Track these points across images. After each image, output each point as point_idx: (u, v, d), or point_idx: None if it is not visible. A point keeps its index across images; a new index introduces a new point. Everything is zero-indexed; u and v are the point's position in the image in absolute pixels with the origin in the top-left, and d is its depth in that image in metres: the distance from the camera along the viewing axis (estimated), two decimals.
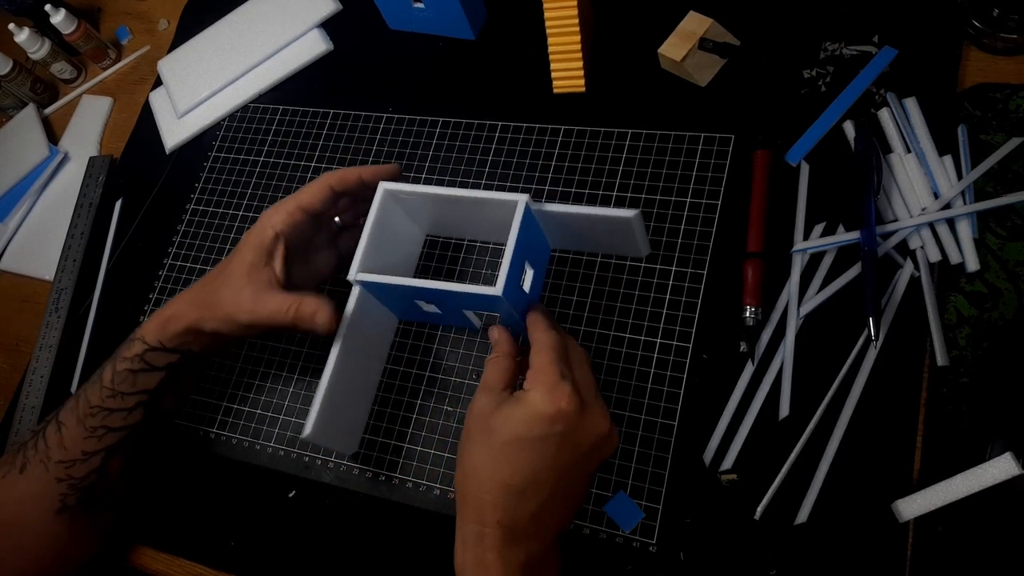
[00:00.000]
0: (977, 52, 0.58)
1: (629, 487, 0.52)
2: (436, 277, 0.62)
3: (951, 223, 0.53)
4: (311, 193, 0.56)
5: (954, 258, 0.52)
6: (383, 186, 0.56)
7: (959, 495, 0.45)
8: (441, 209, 0.59)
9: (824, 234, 0.55)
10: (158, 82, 0.85)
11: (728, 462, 0.51)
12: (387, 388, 0.60)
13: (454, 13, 0.70)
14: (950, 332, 0.50)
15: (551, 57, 0.65)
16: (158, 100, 0.83)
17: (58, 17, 0.84)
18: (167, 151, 0.79)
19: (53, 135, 0.89)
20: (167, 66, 0.83)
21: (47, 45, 0.86)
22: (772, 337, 0.54)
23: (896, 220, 0.54)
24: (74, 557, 0.57)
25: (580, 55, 0.64)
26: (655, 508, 0.51)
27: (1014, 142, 0.53)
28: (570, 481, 0.45)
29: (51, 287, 0.76)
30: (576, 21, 0.62)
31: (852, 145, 0.57)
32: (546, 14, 0.62)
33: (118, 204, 0.78)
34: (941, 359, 0.49)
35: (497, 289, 0.49)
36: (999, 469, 0.44)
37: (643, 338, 0.56)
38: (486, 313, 0.59)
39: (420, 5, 0.71)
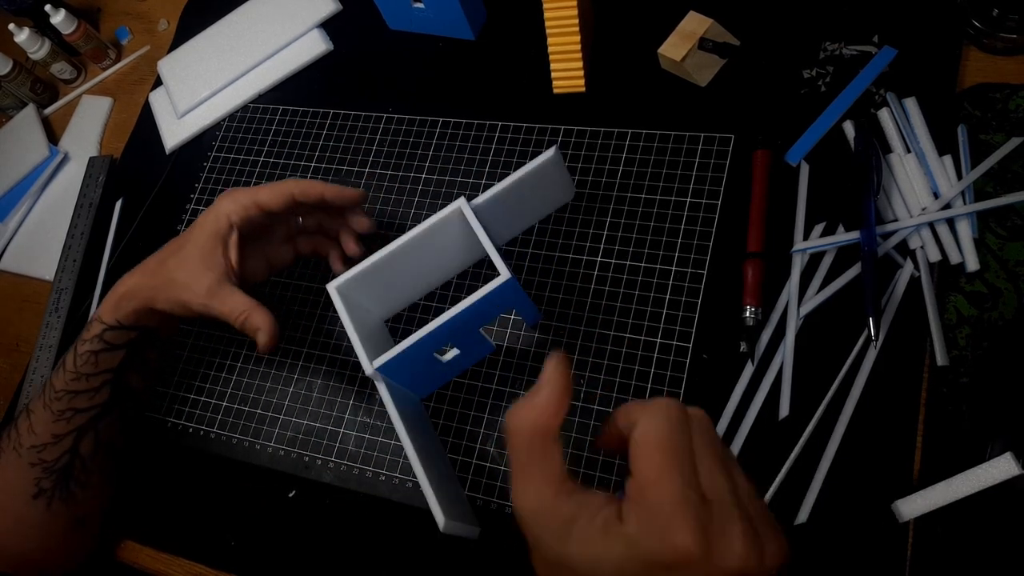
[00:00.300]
0: (977, 52, 0.58)
1: None
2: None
3: (951, 223, 0.53)
4: (271, 194, 0.56)
5: (954, 258, 0.52)
6: (331, 288, 0.54)
7: (959, 495, 0.45)
8: (397, 269, 0.56)
9: (824, 234, 0.55)
10: (158, 82, 0.85)
11: None
12: None
13: (454, 13, 0.70)
14: (950, 332, 0.50)
15: (551, 57, 0.65)
16: (158, 100, 0.83)
17: (58, 17, 0.84)
18: (167, 151, 0.79)
19: (53, 135, 0.89)
20: (167, 66, 0.83)
21: (47, 45, 0.86)
22: (772, 337, 0.54)
23: (896, 220, 0.54)
24: (52, 543, 0.57)
25: (580, 55, 0.64)
26: None
27: (1014, 142, 0.53)
28: None
29: (51, 287, 0.76)
30: (576, 21, 0.62)
31: (852, 145, 0.57)
32: (546, 14, 0.62)
33: (118, 204, 0.78)
34: (941, 359, 0.49)
35: (504, 274, 0.49)
36: (999, 469, 0.44)
37: (643, 338, 0.56)
38: (495, 330, 0.59)
39: (420, 5, 0.71)
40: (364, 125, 0.72)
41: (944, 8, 0.59)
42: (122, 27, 0.92)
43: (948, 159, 0.55)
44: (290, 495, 0.59)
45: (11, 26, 0.84)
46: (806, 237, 0.56)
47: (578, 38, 0.63)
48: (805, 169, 0.58)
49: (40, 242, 0.81)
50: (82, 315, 0.73)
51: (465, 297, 0.49)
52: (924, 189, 0.54)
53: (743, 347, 0.54)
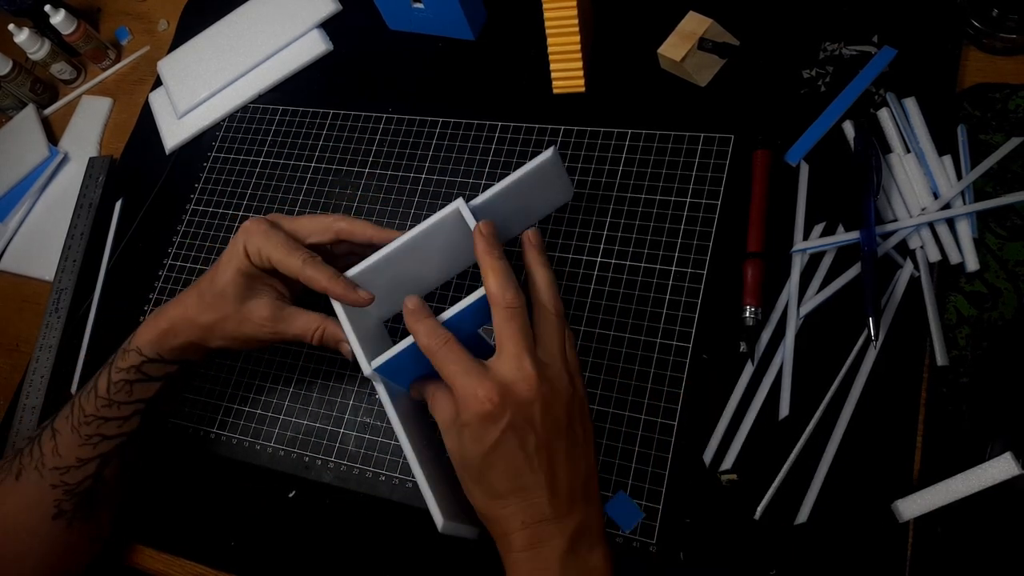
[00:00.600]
0: (976, 52, 0.58)
1: (629, 487, 0.52)
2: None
3: (951, 223, 0.53)
4: (282, 266, 0.53)
5: (954, 258, 0.52)
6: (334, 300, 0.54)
7: (959, 495, 0.45)
8: (396, 270, 0.56)
9: (824, 234, 0.55)
10: (158, 82, 0.85)
11: (728, 462, 0.51)
12: None
13: (454, 13, 0.70)
14: (950, 332, 0.50)
15: (551, 57, 0.65)
16: (158, 100, 0.83)
17: (58, 18, 0.84)
18: (167, 151, 0.79)
19: (53, 135, 0.89)
20: (167, 66, 0.83)
21: (47, 45, 0.86)
22: (772, 337, 0.54)
23: (896, 220, 0.54)
24: (72, 562, 0.57)
25: (580, 55, 0.64)
26: (655, 508, 0.51)
27: (1013, 142, 0.53)
28: (557, 445, 0.45)
29: (51, 287, 0.76)
30: (576, 21, 0.62)
31: (852, 145, 0.57)
32: (546, 14, 0.62)
33: (118, 204, 0.78)
34: (941, 359, 0.49)
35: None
36: (999, 469, 0.44)
37: (643, 338, 0.56)
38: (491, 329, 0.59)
39: (420, 5, 0.71)
40: (364, 125, 0.72)
41: (944, 8, 0.59)
42: (122, 27, 0.92)
43: (948, 159, 0.55)
44: (290, 495, 0.59)
45: (11, 26, 0.84)
46: (806, 237, 0.56)
47: (578, 38, 0.63)
48: (805, 169, 0.58)
49: (40, 242, 0.81)
50: (82, 315, 0.73)
51: (464, 297, 0.49)
52: (924, 189, 0.54)
53: (743, 347, 0.54)
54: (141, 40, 0.91)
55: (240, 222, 0.72)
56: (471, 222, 0.53)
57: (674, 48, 0.61)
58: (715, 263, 0.57)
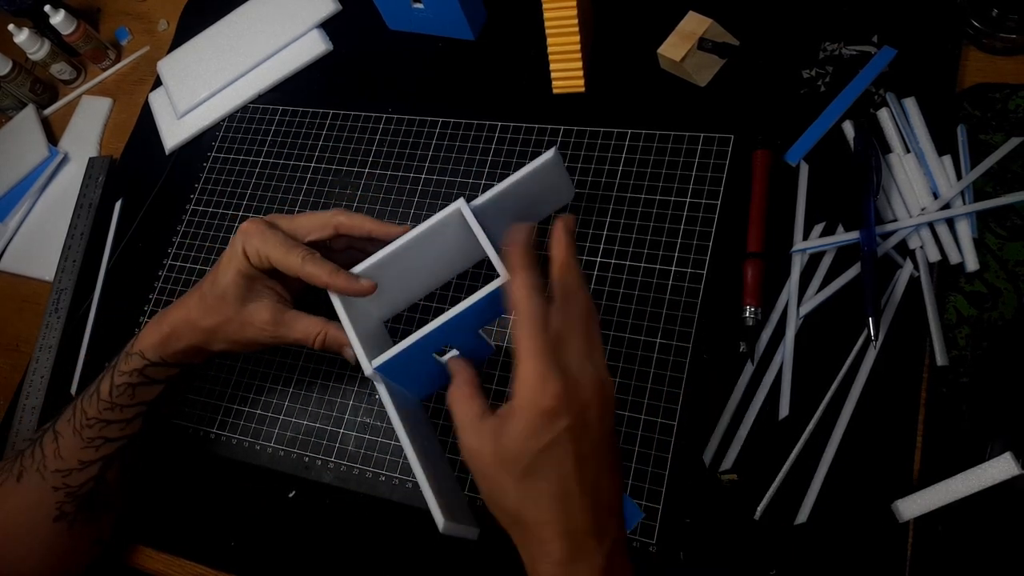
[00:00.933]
0: (976, 52, 0.58)
1: (629, 487, 0.52)
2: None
3: (951, 223, 0.53)
4: (281, 264, 0.52)
5: (954, 258, 0.52)
6: (333, 294, 0.53)
7: (959, 495, 0.45)
8: (397, 270, 0.56)
9: (824, 234, 0.55)
10: (158, 82, 0.85)
11: (728, 462, 0.51)
12: None
13: (454, 13, 0.70)
14: (950, 332, 0.50)
15: (551, 57, 0.65)
16: (158, 100, 0.83)
17: (58, 18, 0.84)
18: (167, 151, 0.79)
19: (53, 136, 0.89)
20: (167, 66, 0.83)
21: (47, 46, 0.86)
22: (772, 337, 0.54)
23: (896, 220, 0.54)
24: (72, 564, 0.57)
25: (580, 55, 0.64)
26: (655, 508, 0.51)
27: (1013, 142, 0.53)
28: (602, 457, 0.42)
29: (51, 287, 0.76)
30: (576, 21, 0.62)
31: (852, 145, 0.57)
32: (546, 14, 0.62)
33: (118, 204, 0.78)
34: (941, 359, 0.49)
35: (504, 275, 0.49)
36: (999, 469, 0.44)
37: (643, 338, 0.56)
38: (494, 329, 0.59)
39: (420, 5, 0.71)
40: (364, 125, 0.72)
41: (944, 8, 0.59)
42: (122, 27, 0.92)
43: (948, 159, 0.55)
44: (290, 495, 0.59)
45: (11, 26, 0.84)
46: (806, 237, 0.56)
47: (578, 38, 0.63)
48: (805, 169, 0.58)
49: (40, 242, 0.81)
50: (82, 315, 0.73)
51: (465, 298, 0.49)
52: (924, 189, 0.54)
53: (743, 347, 0.54)
54: (141, 40, 0.91)
55: (240, 222, 0.72)
56: (473, 222, 0.53)
57: (674, 48, 0.61)
58: (715, 263, 0.57)
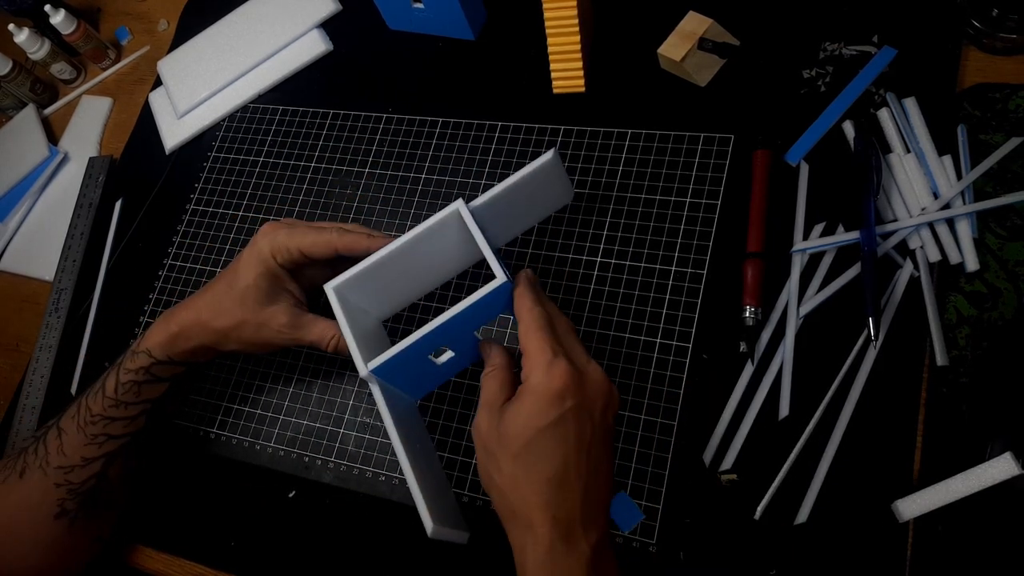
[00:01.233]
0: (976, 52, 0.58)
1: (629, 487, 0.52)
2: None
3: (951, 223, 0.53)
4: (313, 244, 0.54)
5: (954, 258, 0.52)
6: (329, 289, 0.53)
7: (959, 495, 0.45)
8: (395, 271, 0.56)
9: (824, 234, 0.55)
10: (158, 82, 0.85)
11: (728, 462, 0.51)
12: None
13: (454, 13, 0.70)
14: (950, 332, 0.50)
15: (551, 57, 0.65)
16: (158, 100, 0.83)
17: (58, 17, 0.84)
18: (167, 151, 0.79)
19: (53, 135, 0.89)
20: (167, 66, 0.83)
21: (47, 45, 0.86)
22: (772, 337, 0.54)
23: (896, 220, 0.54)
24: (73, 561, 0.57)
25: (580, 55, 0.64)
26: (655, 508, 0.51)
27: (1013, 142, 0.53)
28: (600, 450, 0.44)
29: (51, 287, 0.76)
30: (576, 21, 0.62)
31: (852, 145, 0.57)
32: (546, 14, 0.62)
33: (118, 204, 0.78)
34: (941, 359, 0.49)
35: (500, 277, 0.49)
36: (999, 469, 0.44)
37: (643, 338, 0.56)
38: (494, 330, 0.59)
39: (420, 5, 0.71)
40: (364, 125, 0.72)
41: (944, 8, 0.59)
42: (122, 27, 0.92)
43: (948, 159, 0.55)
44: (290, 495, 0.59)
45: (11, 26, 0.84)
46: (806, 237, 0.56)
47: (578, 38, 0.63)
48: (805, 169, 0.58)
49: (40, 242, 0.81)
50: (82, 315, 0.73)
51: (464, 298, 0.49)
52: (924, 189, 0.54)
53: (743, 347, 0.54)
54: (141, 40, 0.91)
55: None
56: (471, 224, 0.52)
57: (674, 48, 0.61)
58: (715, 263, 0.57)
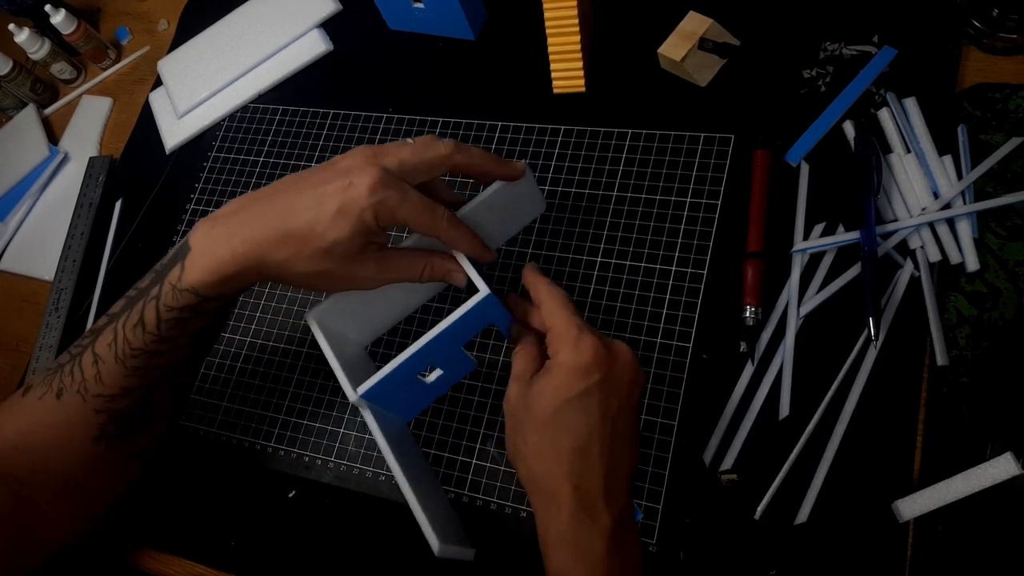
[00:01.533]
0: (977, 52, 0.58)
1: None
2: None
3: (951, 223, 0.53)
4: (420, 228, 0.48)
5: (954, 258, 0.52)
6: (310, 318, 0.52)
7: (959, 495, 0.45)
8: (375, 294, 0.55)
9: (824, 234, 0.55)
10: (158, 82, 0.85)
11: (728, 462, 0.51)
12: None
13: (454, 13, 0.70)
14: (950, 332, 0.50)
15: (551, 57, 0.65)
16: (158, 100, 0.83)
17: (58, 17, 0.84)
18: (167, 151, 0.80)
19: (53, 135, 0.89)
20: (167, 66, 0.83)
21: (47, 45, 0.86)
22: (772, 337, 0.54)
23: (896, 220, 0.54)
24: (116, 479, 0.56)
25: (580, 55, 0.64)
26: (655, 508, 0.51)
27: (1014, 142, 0.53)
28: (625, 425, 0.44)
29: (51, 287, 0.76)
30: (576, 21, 0.62)
31: (852, 145, 0.57)
32: (546, 14, 0.62)
33: (118, 204, 0.78)
34: (941, 359, 0.49)
35: (483, 290, 0.48)
36: (999, 469, 0.44)
37: (643, 338, 0.56)
38: (477, 341, 0.59)
39: (420, 5, 0.71)
40: (364, 125, 0.72)
41: (944, 8, 0.59)
42: (122, 27, 0.92)
43: (948, 159, 0.55)
44: (290, 495, 0.59)
45: (11, 26, 0.84)
46: (806, 237, 0.56)
47: (578, 38, 0.63)
48: (805, 169, 0.58)
49: (40, 242, 0.81)
50: (82, 315, 0.73)
51: (446, 316, 0.49)
52: (924, 189, 0.54)
53: (743, 347, 0.54)
54: (141, 40, 0.91)
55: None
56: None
57: (674, 48, 0.61)
58: (715, 263, 0.57)
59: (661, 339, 0.56)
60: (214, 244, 0.47)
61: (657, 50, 0.63)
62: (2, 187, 0.85)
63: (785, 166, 0.58)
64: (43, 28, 0.88)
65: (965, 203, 0.53)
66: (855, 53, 0.60)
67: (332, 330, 0.54)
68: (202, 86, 0.80)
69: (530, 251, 0.61)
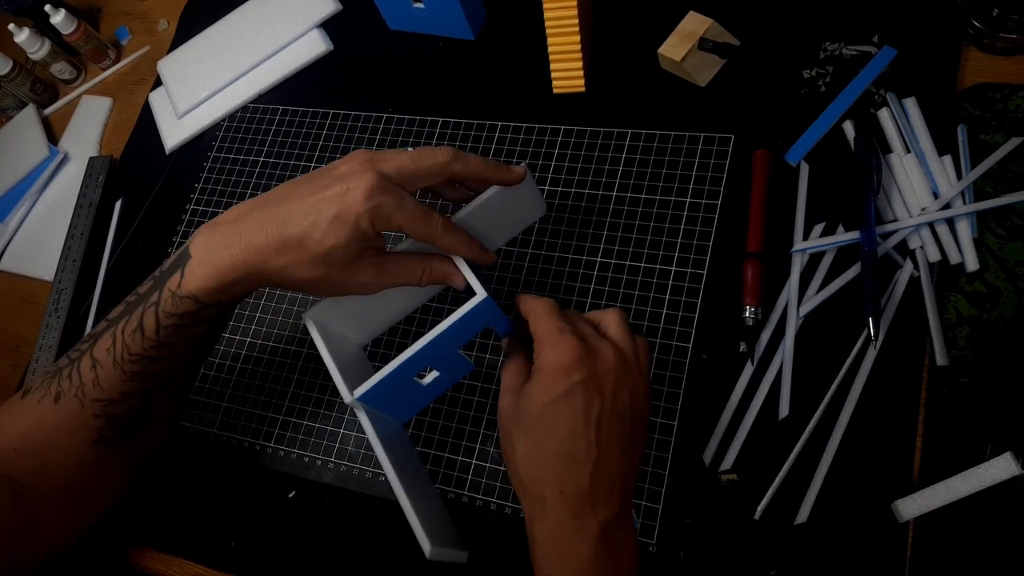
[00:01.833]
0: (976, 52, 0.58)
1: None
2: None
3: (951, 223, 0.53)
4: (415, 234, 0.48)
5: (954, 258, 0.52)
6: (307, 319, 0.53)
7: (959, 495, 0.45)
8: (373, 296, 0.54)
9: (824, 234, 0.55)
10: (158, 82, 0.85)
11: (728, 462, 0.51)
12: None
13: (454, 13, 0.70)
14: (950, 332, 0.50)
15: (551, 57, 0.65)
16: (158, 100, 0.83)
17: (58, 17, 0.84)
18: (167, 151, 0.80)
19: (53, 135, 0.89)
20: (167, 66, 0.83)
21: (47, 45, 0.86)
22: (772, 337, 0.54)
23: (896, 220, 0.54)
24: (115, 481, 0.56)
25: (580, 55, 0.64)
26: (655, 508, 0.51)
27: (1014, 142, 0.53)
28: (612, 428, 0.43)
29: (51, 287, 0.76)
30: (576, 21, 0.62)
31: (852, 145, 0.57)
32: (546, 14, 0.62)
33: (118, 204, 0.78)
34: (941, 359, 0.49)
35: (480, 293, 0.48)
36: (999, 469, 0.44)
37: None
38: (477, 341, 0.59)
39: (420, 5, 0.71)
40: (364, 125, 0.72)
41: (944, 8, 0.59)
42: (122, 27, 0.92)
43: (948, 159, 0.55)
44: (290, 495, 0.59)
45: (11, 26, 0.84)
46: (806, 237, 0.56)
47: (578, 38, 0.63)
48: (805, 169, 0.58)
49: (40, 242, 0.81)
50: (82, 315, 0.73)
51: (446, 317, 0.48)
52: (924, 189, 0.54)
53: (743, 347, 0.54)
54: (141, 40, 0.91)
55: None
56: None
57: (674, 48, 0.61)
58: (715, 263, 0.57)
59: (661, 339, 0.56)
60: (214, 251, 0.47)
61: (657, 50, 0.63)
62: (2, 187, 0.85)
63: (785, 166, 0.58)
64: (43, 28, 0.88)
65: (965, 203, 0.53)
66: (855, 53, 0.60)
67: (330, 330, 0.54)
68: (202, 86, 0.80)
69: (530, 251, 0.62)
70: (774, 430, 0.51)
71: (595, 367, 0.43)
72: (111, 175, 0.81)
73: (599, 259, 0.60)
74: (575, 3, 0.61)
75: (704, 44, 0.61)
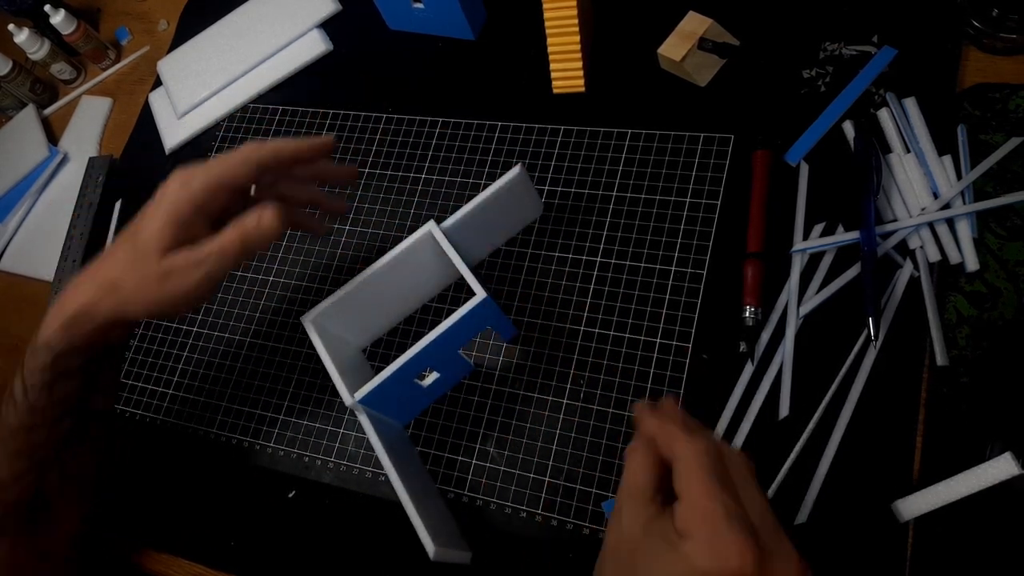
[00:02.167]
0: (976, 52, 0.58)
1: None
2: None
3: (951, 223, 0.53)
4: (233, 168, 0.47)
5: (954, 258, 0.52)
6: (306, 321, 0.53)
7: (959, 495, 0.45)
8: (372, 297, 0.55)
9: (824, 234, 0.55)
10: (158, 82, 0.85)
11: None
12: None
13: (454, 13, 0.70)
14: (950, 332, 0.50)
15: (551, 57, 0.65)
16: (158, 100, 0.83)
17: (58, 18, 0.84)
18: (167, 151, 0.80)
19: (53, 135, 0.89)
20: (167, 66, 0.83)
21: (47, 45, 0.86)
22: (772, 337, 0.54)
23: (896, 220, 0.54)
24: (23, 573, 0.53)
25: (580, 55, 0.64)
26: None
27: (1013, 142, 0.53)
28: None
29: (51, 287, 0.76)
30: (576, 21, 0.62)
31: (852, 145, 0.57)
32: (546, 14, 0.62)
33: (118, 204, 0.78)
34: (941, 359, 0.49)
35: (480, 293, 0.48)
36: (999, 469, 0.44)
37: (643, 338, 0.56)
38: (477, 340, 0.59)
39: (420, 5, 0.71)
40: (364, 125, 0.72)
41: (944, 8, 0.59)
42: (122, 27, 0.92)
43: (948, 159, 0.55)
44: (290, 495, 0.59)
45: (11, 26, 0.84)
46: (806, 237, 0.56)
47: (578, 38, 0.63)
48: (805, 169, 0.58)
49: (40, 242, 0.81)
50: None
51: (445, 318, 0.48)
52: (924, 189, 0.54)
53: (743, 347, 0.54)
54: (141, 40, 0.91)
55: None
56: (444, 244, 0.52)
57: (674, 48, 0.61)
58: (715, 263, 0.57)
59: (661, 339, 0.56)
60: (59, 299, 0.48)
61: (657, 50, 0.63)
62: (2, 187, 0.85)
63: (785, 166, 0.58)
64: (43, 28, 0.88)
65: (965, 203, 0.53)
66: (855, 53, 0.60)
67: (329, 332, 0.54)
68: (202, 86, 0.80)
69: (530, 251, 0.62)
70: (774, 430, 0.51)
71: None
72: (111, 175, 0.81)
73: (599, 259, 0.60)
74: (575, 3, 0.61)
75: (704, 44, 0.61)
